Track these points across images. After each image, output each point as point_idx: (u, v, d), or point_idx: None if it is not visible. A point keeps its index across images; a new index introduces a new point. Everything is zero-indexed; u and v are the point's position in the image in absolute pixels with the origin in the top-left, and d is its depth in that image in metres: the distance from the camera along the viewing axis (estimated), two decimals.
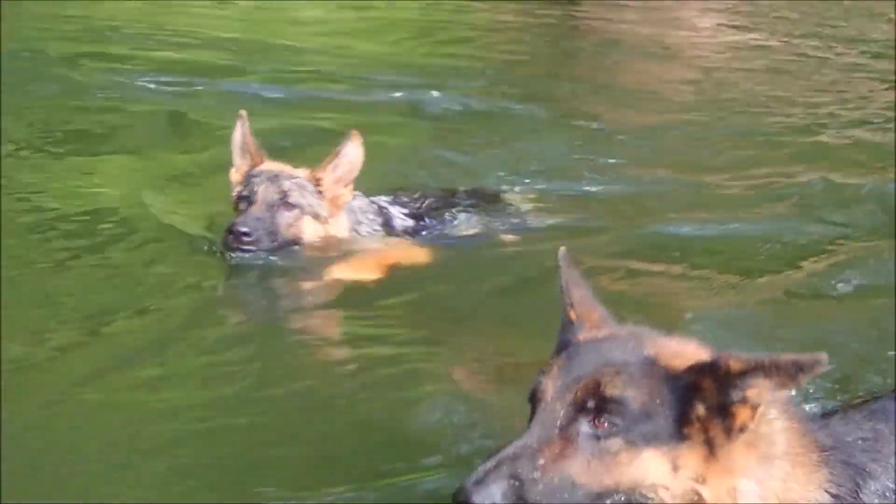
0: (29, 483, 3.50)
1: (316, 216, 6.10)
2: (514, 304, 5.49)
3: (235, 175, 6.20)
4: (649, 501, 3.05)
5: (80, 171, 7.10)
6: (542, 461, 2.99)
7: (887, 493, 3.31)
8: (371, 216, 6.41)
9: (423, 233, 6.55)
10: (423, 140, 8.53)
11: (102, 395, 4.17)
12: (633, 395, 3.06)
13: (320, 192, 6.11)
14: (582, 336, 3.26)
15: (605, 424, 3.04)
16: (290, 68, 10.47)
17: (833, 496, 3.24)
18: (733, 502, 3.12)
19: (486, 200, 6.99)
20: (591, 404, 3.04)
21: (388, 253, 6.26)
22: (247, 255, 5.87)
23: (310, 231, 6.10)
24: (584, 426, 3.04)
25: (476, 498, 2.91)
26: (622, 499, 3.04)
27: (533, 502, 2.95)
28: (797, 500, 3.20)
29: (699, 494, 3.08)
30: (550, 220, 6.91)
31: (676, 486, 3.05)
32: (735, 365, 3.06)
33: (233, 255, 5.88)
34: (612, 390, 3.06)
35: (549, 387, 3.10)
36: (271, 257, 5.97)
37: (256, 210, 5.94)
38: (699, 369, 3.10)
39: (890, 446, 3.39)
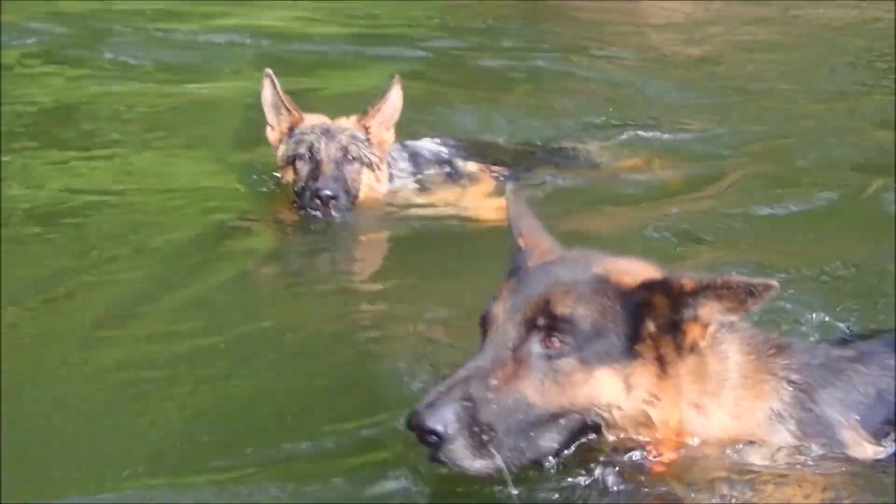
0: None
1: (370, 165, 6.18)
2: None
3: (273, 134, 6.20)
4: (602, 422, 3.11)
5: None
6: (494, 382, 3.05)
7: (838, 420, 3.27)
8: (396, 153, 6.46)
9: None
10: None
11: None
12: (583, 313, 3.10)
13: (369, 140, 6.17)
14: (531, 262, 3.29)
15: (557, 343, 3.09)
16: None
17: (784, 421, 3.24)
18: (681, 425, 3.16)
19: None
20: (541, 323, 3.09)
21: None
22: (333, 217, 5.93)
23: (366, 182, 6.19)
24: (536, 346, 3.09)
25: (428, 421, 2.96)
26: (576, 419, 3.09)
27: (486, 422, 3.00)
28: (748, 424, 3.22)
29: (649, 416, 3.12)
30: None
31: (629, 406, 3.10)
32: (688, 283, 3.09)
33: (315, 218, 5.93)
34: (561, 309, 3.10)
35: (500, 309, 3.15)
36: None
37: (328, 170, 5.99)
38: (651, 286, 3.14)
39: (858, 378, 3.33)
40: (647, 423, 3.11)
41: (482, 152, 6.76)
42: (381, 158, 6.22)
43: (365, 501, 3.28)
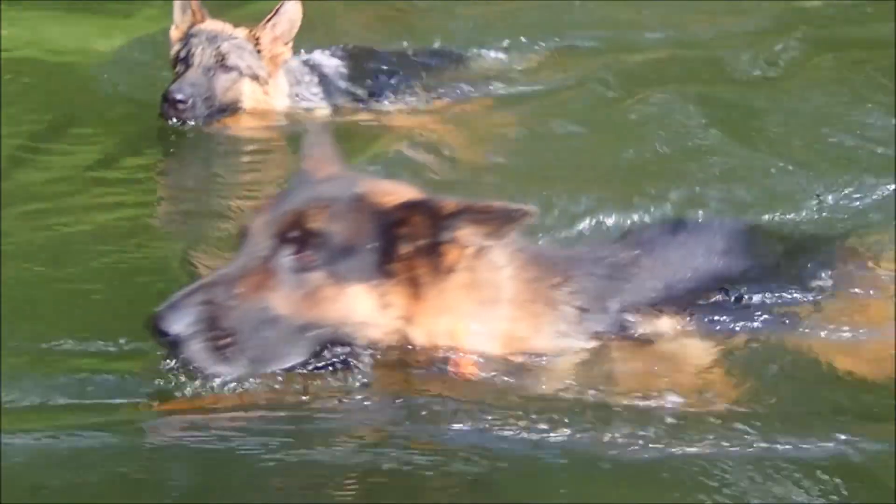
0: None
1: (255, 77, 6.08)
2: None
3: (175, 33, 6.15)
4: (357, 338, 3.05)
5: None
6: (240, 289, 2.99)
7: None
8: (308, 77, 6.35)
9: (371, 100, 6.48)
10: None
11: None
12: (336, 229, 3.05)
13: (259, 52, 6.08)
14: (305, 179, 3.26)
15: (308, 257, 3.02)
16: None
17: (562, 336, 3.23)
18: (451, 343, 3.13)
19: (450, 62, 6.83)
20: (293, 237, 3.03)
21: None
22: (184, 121, 5.88)
23: (249, 94, 6.10)
24: (287, 259, 3.03)
25: (166, 323, 2.91)
26: (327, 333, 3.04)
27: (227, 327, 2.94)
28: (527, 342, 3.20)
29: (406, 336, 3.08)
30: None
31: (384, 324, 3.06)
32: (447, 205, 3.05)
33: (169, 122, 5.89)
34: (314, 223, 3.05)
35: (258, 222, 3.10)
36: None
37: (192, 75, 5.93)
38: (410, 206, 3.10)
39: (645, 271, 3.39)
40: (406, 340, 3.08)
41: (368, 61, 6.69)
42: (270, 73, 6.12)
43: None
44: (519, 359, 3.17)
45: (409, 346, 3.08)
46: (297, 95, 6.29)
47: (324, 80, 6.42)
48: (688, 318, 3.33)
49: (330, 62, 6.59)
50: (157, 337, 2.94)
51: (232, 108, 6.05)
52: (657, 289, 3.35)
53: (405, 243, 3.06)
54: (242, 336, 2.96)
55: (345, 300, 3.03)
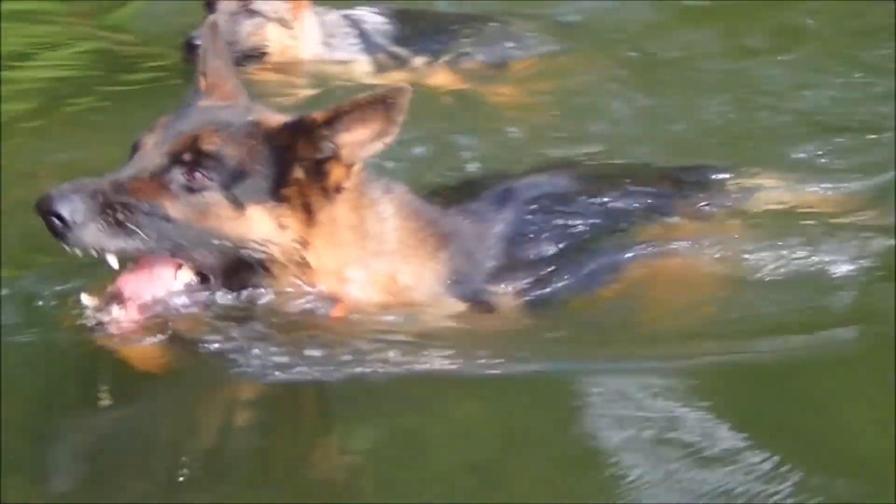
0: None
1: (281, 22, 6.06)
2: None
3: None
4: (261, 257, 3.09)
5: None
6: (130, 188, 2.99)
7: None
8: (346, 29, 6.29)
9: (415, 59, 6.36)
10: None
11: None
12: (229, 152, 3.07)
13: None
14: (200, 103, 3.25)
15: (199, 178, 3.05)
16: None
17: (448, 284, 3.30)
18: (339, 274, 3.18)
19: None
20: (186, 158, 3.06)
21: None
22: None
23: (274, 39, 6.08)
24: (178, 177, 3.05)
25: (56, 205, 2.89)
26: (229, 248, 3.06)
27: (122, 203, 2.94)
28: (406, 293, 3.25)
29: (304, 258, 3.11)
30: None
31: (282, 244, 3.09)
32: (319, 115, 3.06)
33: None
34: (208, 146, 3.08)
35: (150, 140, 3.12)
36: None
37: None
38: (291, 126, 3.12)
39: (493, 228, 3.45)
40: (303, 263, 3.11)
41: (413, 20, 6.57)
42: (294, 17, 6.09)
43: None
44: (394, 307, 3.22)
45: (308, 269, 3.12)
46: (329, 45, 6.23)
47: (363, 35, 6.35)
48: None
49: (372, 18, 6.48)
50: (46, 220, 2.91)
51: (257, 54, 6.05)
52: (509, 262, 3.40)
53: (295, 167, 3.08)
54: (138, 216, 2.96)
55: (242, 220, 3.05)
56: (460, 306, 3.28)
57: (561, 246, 3.48)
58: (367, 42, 6.34)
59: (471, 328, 3.25)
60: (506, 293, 3.35)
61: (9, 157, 4.74)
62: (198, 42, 5.67)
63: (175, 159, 3.03)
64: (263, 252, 3.06)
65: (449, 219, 3.43)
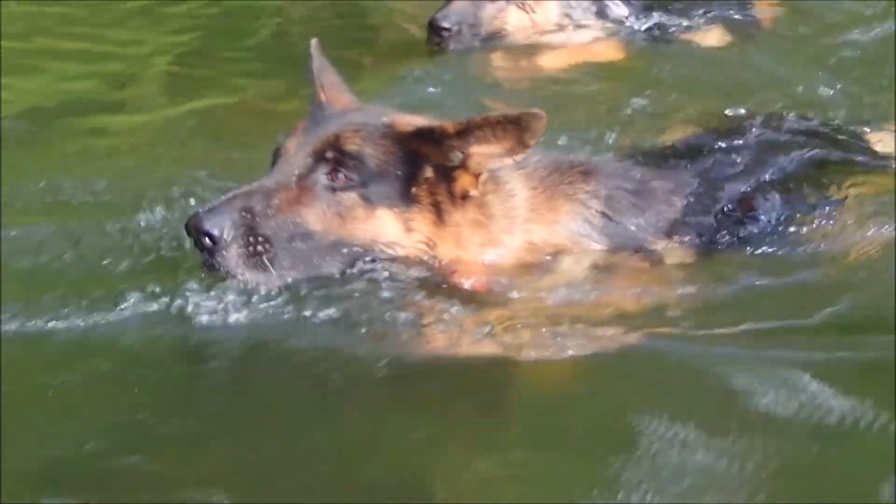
0: None
1: (521, 4, 6.14)
2: None
3: None
4: (386, 257, 3.25)
5: None
6: (276, 201, 3.19)
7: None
8: (586, 3, 6.28)
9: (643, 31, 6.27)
10: None
11: None
12: (370, 152, 3.24)
13: None
14: (333, 109, 3.43)
15: (342, 178, 3.21)
16: None
17: (589, 238, 3.37)
18: (472, 264, 3.28)
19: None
20: (329, 157, 3.23)
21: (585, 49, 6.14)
22: (446, 48, 6.08)
23: (514, 20, 6.17)
24: (322, 177, 3.22)
25: (206, 224, 3.11)
26: (358, 251, 3.22)
27: (263, 234, 3.14)
28: (544, 245, 3.34)
29: (431, 258, 3.26)
30: None
31: (408, 247, 3.24)
32: (450, 127, 3.17)
33: (435, 47, 6.12)
34: (350, 146, 3.25)
35: (292, 144, 3.32)
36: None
37: (459, 3, 6.10)
38: (422, 132, 3.25)
39: (654, 202, 3.45)
40: (430, 263, 3.23)
41: None
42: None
43: None
44: (536, 262, 3.30)
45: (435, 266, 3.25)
46: (567, 16, 6.25)
47: (605, 13, 6.30)
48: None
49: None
50: (195, 237, 3.11)
51: (498, 36, 6.16)
52: (676, 218, 3.41)
53: (426, 169, 3.22)
54: (276, 246, 3.15)
55: (374, 222, 3.21)
56: (617, 254, 3.33)
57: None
58: (612, 20, 6.33)
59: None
60: (675, 246, 3.38)
61: None
62: (444, 24, 5.99)
63: (319, 159, 3.21)
64: (388, 253, 3.20)
65: (598, 165, 3.50)
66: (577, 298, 3.22)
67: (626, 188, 3.44)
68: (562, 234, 3.35)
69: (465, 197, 3.22)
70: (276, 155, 3.32)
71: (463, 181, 3.20)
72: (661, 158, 3.68)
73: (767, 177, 3.60)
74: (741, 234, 3.46)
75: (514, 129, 3.07)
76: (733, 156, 3.66)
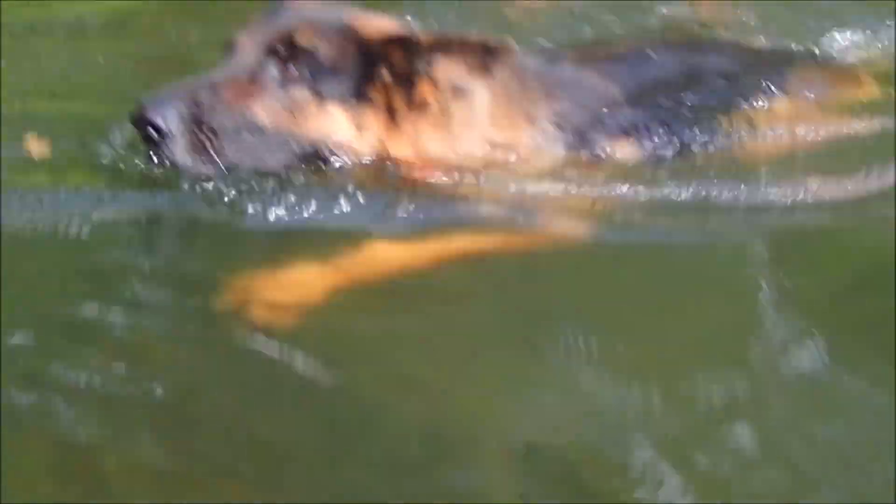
0: None
1: None
2: None
3: None
4: (335, 155, 3.19)
5: None
6: (225, 93, 3.12)
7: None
8: None
9: None
10: None
11: None
12: (323, 48, 3.18)
13: None
14: (294, 4, 3.38)
15: (293, 72, 3.15)
16: None
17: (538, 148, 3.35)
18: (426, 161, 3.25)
19: None
20: (282, 50, 3.17)
21: None
22: None
23: None
24: (273, 71, 3.17)
25: (151, 114, 3.04)
26: (307, 148, 3.17)
27: (210, 126, 3.07)
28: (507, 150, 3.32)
29: (382, 156, 3.22)
30: None
31: (359, 146, 3.20)
32: (424, 38, 3.15)
33: None
34: (303, 40, 3.18)
35: (245, 38, 3.25)
36: None
37: None
38: (393, 38, 3.21)
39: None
40: (382, 160, 3.21)
41: None
42: None
43: None
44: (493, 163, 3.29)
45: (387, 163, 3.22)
46: None
47: None
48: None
49: None
50: (140, 128, 3.04)
51: None
52: (625, 118, 3.46)
53: (384, 72, 3.18)
54: (224, 138, 3.08)
55: (325, 118, 3.16)
56: (569, 156, 3.34)
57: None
58: None
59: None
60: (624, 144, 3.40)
61: None
62: None
63: (270, 52, 3.15)
64: (338, 151, 3.17)
65: (557, 78, 3.47)
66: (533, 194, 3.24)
67: (583, 102, 3.44)
68: (521, 141, 3.33)
69: (422, 105, 3.20)
70: (229, 49, 3.26)
71: (423, 89, 3.19)
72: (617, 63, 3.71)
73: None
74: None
75: (485, 54, 3.10)
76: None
